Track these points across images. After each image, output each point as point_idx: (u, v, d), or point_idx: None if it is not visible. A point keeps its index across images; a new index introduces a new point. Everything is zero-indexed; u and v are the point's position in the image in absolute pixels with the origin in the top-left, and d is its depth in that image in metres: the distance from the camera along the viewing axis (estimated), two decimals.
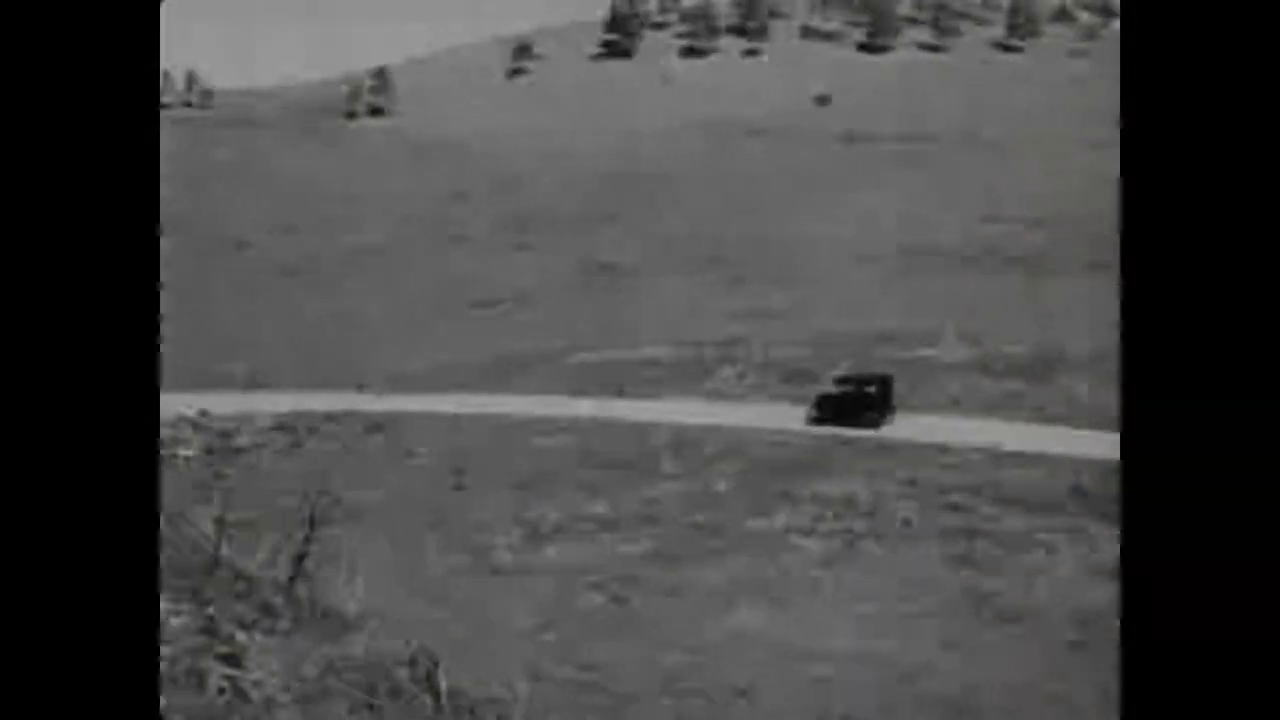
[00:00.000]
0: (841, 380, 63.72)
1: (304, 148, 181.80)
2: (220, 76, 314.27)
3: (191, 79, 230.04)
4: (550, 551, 43.39)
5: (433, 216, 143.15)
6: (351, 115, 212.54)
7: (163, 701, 16.17)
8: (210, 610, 18.62)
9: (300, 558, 23.77)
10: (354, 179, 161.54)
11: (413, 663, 17.08)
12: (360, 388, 70.85)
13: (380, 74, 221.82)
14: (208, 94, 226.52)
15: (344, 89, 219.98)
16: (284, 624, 18.70)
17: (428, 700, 16.29)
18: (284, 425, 62.53)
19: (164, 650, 17.39)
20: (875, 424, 59.29)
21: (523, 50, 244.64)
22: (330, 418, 63.89)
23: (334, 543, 28.22)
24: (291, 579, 23.00)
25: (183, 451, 56.61)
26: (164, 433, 59.52)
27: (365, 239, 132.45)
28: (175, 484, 46.60)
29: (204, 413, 63.55)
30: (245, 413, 64.75)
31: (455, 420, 62.75)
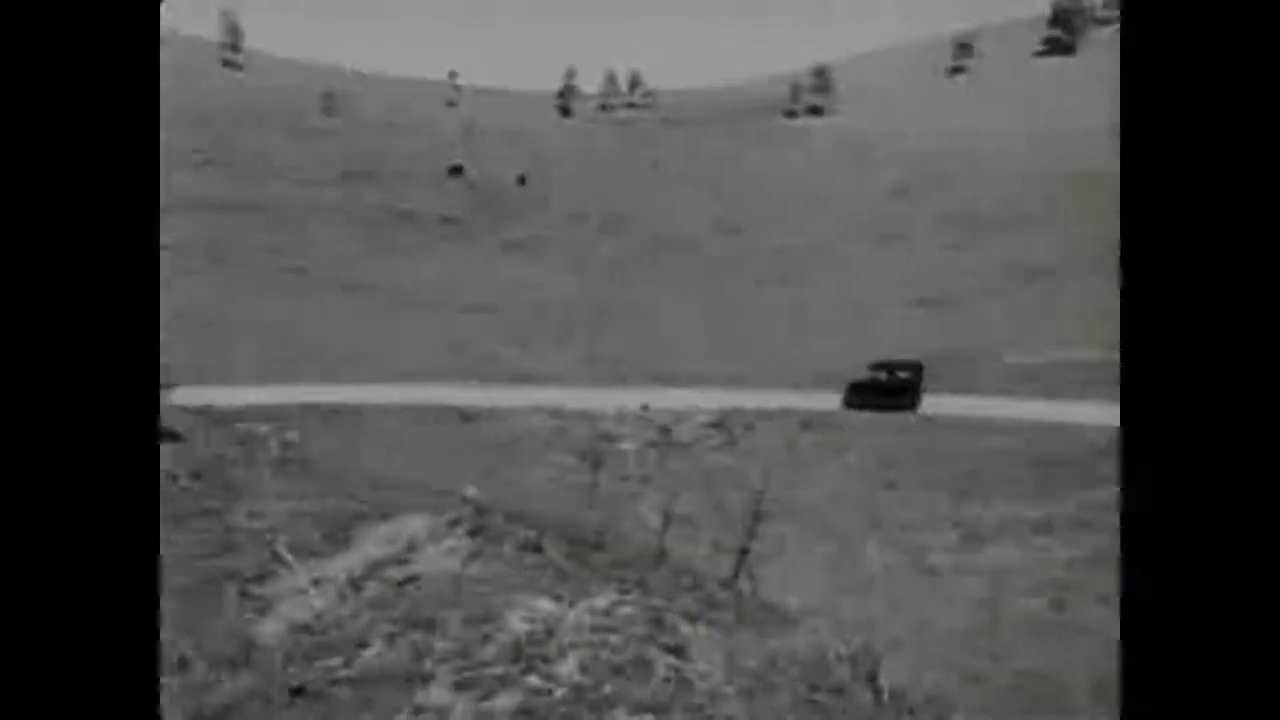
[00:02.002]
0: (876, 366, 67.57)
1: (745, 147, 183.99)
2: (663, 76, 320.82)
3: (635, 79, 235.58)
4: (987, 553, 42.94)
5: (872, 215, 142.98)
6: (791, 114, 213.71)
7: (607, 689, 16.76)
8: (656, 601, 19.19)
9: (743, 553, 24.23)
10: (794, 178, 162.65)
11: (854, 660, 17.22)
12: (796, 385, 71.35)
13: (820, 72, 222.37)
14: (650, 94, 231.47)
15: (784, 88, 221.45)
16: (727, 617, 19.12)
17: (868, 698, 16.41)
18: (721, 421, 63.50)
19: (610, 640, 18.02)
20: (912, 407, 63.48)
21: (963, 48, 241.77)
22: (766, 414, 64.57)
23: (774, 539, 28.73)
24: (735, 573, 23.48)
25: (624, 445, 58.16)
26: (606, 426, 61.37)
27: (806, 237, 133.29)
28: (615, 476, 47.99)
29: (645, 407, 65.12)
30: (686, 408, 65.99)
31: (888, 419, 62.65)
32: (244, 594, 24.10)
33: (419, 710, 16.59)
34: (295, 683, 18.21)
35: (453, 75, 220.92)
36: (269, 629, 21.52)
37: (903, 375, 66.89)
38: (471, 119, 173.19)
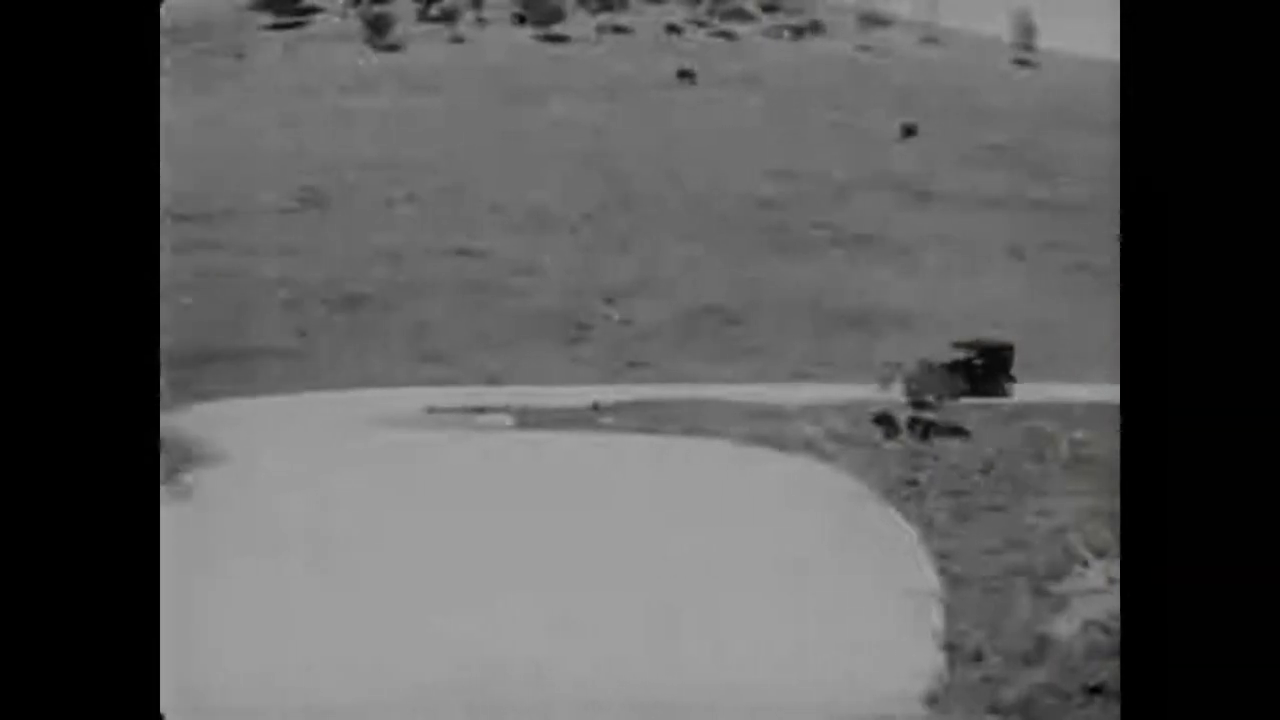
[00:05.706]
0: (962, 346, 59.21)
1: None
2: None
3: None
4: None
5: None
6: None
7: None
8: None
9: None
10: None
11: None
12: None
13: None
14: None
15: None
16: None
17: None
18: None
19: None
20: (1008, 392, 56.61)
21: None
22: None
23: None
24: None
25: None
26: None
27: None
28: None
29: None
30: None
31: None
32: (1038, 590, 24.35)
33: None
34: (1093, 682, 18.26)
35: None
36: (1064, 627, 21.65)
37: (993, 357, 59.92)
38: None
